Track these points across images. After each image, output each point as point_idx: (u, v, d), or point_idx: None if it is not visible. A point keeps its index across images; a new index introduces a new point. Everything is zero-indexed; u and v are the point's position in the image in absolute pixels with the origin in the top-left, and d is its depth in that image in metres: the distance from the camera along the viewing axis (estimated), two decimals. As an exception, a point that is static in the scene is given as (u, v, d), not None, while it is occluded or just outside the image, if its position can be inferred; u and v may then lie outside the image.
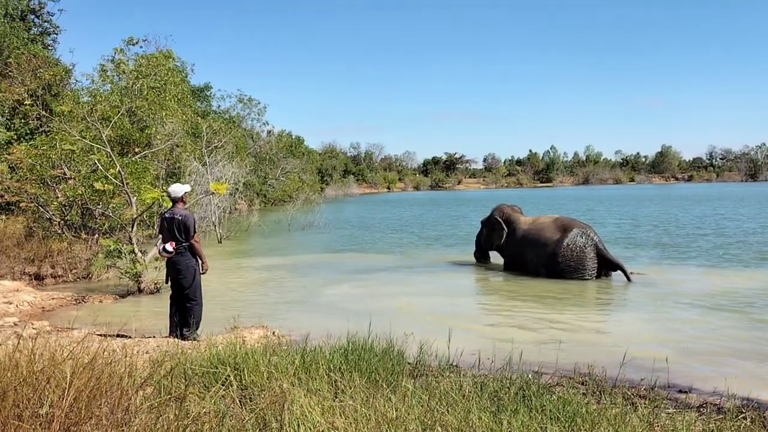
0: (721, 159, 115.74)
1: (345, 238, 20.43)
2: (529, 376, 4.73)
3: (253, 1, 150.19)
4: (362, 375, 4.29)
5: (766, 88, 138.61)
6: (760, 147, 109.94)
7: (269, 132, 48.99)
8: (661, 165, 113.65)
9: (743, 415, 4.07)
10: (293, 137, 54.17)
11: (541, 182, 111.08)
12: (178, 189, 6.89)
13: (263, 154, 43.91)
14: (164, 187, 11.69)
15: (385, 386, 3.92)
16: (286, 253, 16.46)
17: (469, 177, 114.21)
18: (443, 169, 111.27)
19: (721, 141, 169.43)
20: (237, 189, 22.77)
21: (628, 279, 10.49)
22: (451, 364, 5.11)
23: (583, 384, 4.84)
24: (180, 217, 6.63)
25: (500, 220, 12.52)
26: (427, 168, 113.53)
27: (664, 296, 9.31)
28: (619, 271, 10.78)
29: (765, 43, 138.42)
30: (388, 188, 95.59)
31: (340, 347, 4.96)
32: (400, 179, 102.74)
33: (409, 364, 5.05)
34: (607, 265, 10.84)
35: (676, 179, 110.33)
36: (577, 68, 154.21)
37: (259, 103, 45.02)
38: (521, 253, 11.80)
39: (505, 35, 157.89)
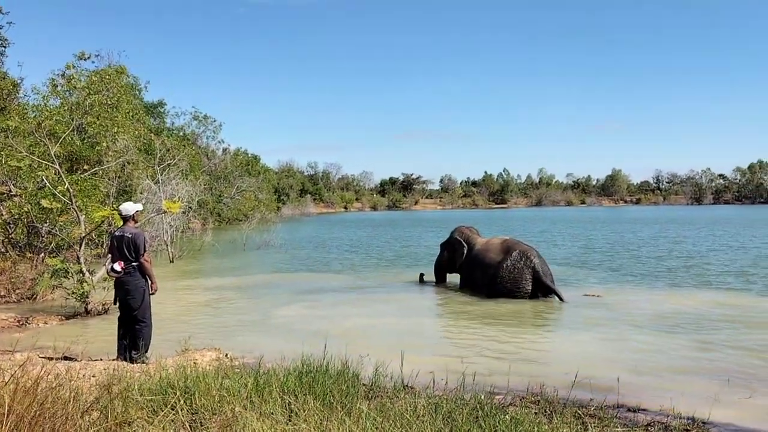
0: (667, 183, 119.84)
1: (301, 257, 20.28)
2: (483, 396, 4.75)
3: (210, 19, 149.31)
4: (317, 397, 4.24)
5: (710, 116, 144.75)
6: (704, 171, 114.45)
7: (225, 150, 48.45)
8: (610, 188, 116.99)
9: (688, 432, 4.19)
10: (249, 155, 53.64)
11: (496, 203, 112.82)
12: (129, 207, 6.74)
13: (218, 173, 43.35)
14: (114, 205, 11.41)
15: (339, 409, 3.89)
16: (240, 273, 16.22)
17: (426, 198, 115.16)
18: (400, 190, 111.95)
19: (667, 165, 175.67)
20: (190, 207, 22.36)
21: (561, 300, 10.82)
22: (406, 385, 5.10)
23: (535, 404, 4.90)
24: (130, 236, 6.48)
25: (461, 240, 12.80)
26: (384, 188, 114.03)
27: (616, 317, 9.51)
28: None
29: (710, 71, 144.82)
30: (345, 208, 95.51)
31: (295, 369, 4.90)
32: (357, 199, 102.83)
33: (364, 385, 5.01)
34: (543, 289, 11.10)
35: (625, 202, 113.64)
36: (532, 91, 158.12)
37: (214, 120, 44.55)
38: (471, 272, 12.20)
39: (462, 58, 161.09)
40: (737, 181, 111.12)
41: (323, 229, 39.02)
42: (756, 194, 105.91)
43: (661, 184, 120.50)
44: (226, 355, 6.67)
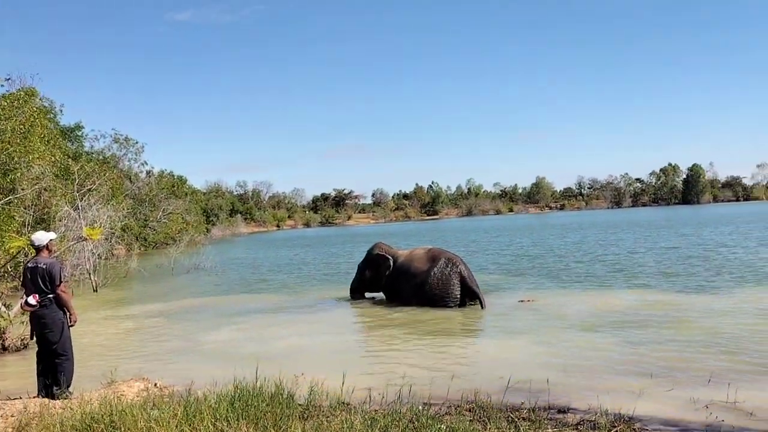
0: (588, 188, 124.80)
1: (231, 279, 19.85)
2: (420, 407, 4.79)
3: (129, 39, 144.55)
4: (250, 422, 4.16)
5: (627, 123, 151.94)
6: (623, 176, 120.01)
7: (148, 172, 47.01)
8: (536, 195, 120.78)
9: (615, 429, 4.35)
10: (175, 177, 52.25)
11: (428, 215, 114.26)
12: (41, 237, 6.41)
13: (142, 196, 41.98)
14: (31, 235, 10.83)
15: (274, 431, 3.82)
16: (168, 298, 15.70)
17: (359, 212, 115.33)
18: (333, 206, 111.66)
19: (588, 171, 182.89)
20: (113, 233, 21.54)
21: (483, 306, 11.08)
22: (342, 402, 5.07)
23: (470, 411, 4.96)
24: (44, 266, 6.16)
25: (384, 254, 12.79)
26: (316, 204, 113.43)
27: (547, 320, 9.78)
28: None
29: (628, 80, 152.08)
30: (278, 226, 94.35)
31: (226, 395, 4.79)
32: (289, 217, 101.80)
33: (300, 405, 4.95)
34: (470, 295, 11.32)
35: (550, 208, 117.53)
36: (457, 103, 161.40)
37: (136, 142, 43.19)
38: (397, 284, 12.22)
39: (391, 73, 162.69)
40: (653, 184, 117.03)
41: (255, 249, 38.39)
42: (670, 196, 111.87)
43: (583, 189, 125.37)
44: (155, 385, 6.43)
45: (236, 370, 5.50)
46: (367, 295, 13.30)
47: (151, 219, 41.34)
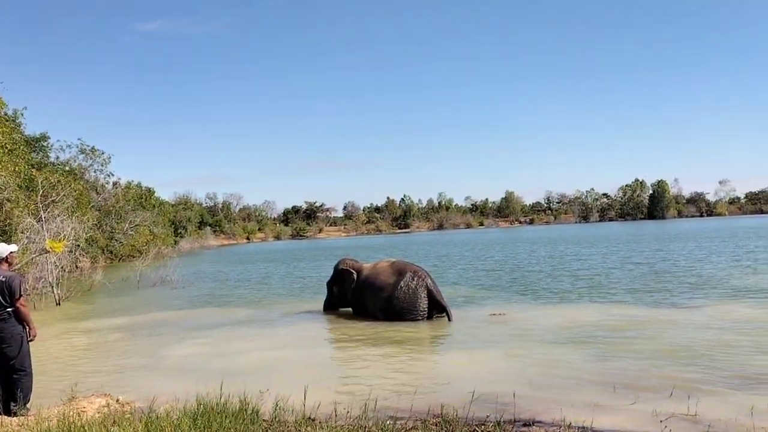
0: (557, 203, 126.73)
1: (198, 293, 19.57)
2: (386, 422, 4.78)
3: (96, 49, 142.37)
4: (212, 438, 4.09)
5: (594, 141, 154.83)
6: (589, 192, 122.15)
7: (115, 184, 46.28)
8: (506, 209, 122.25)
9: (578, 441, 4.39)
10: (142, 188, 51.53)
11: (399, 228, 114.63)
12: (1, 249, 6.25)
13: (109, 207, 41.28)
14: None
15: (236, 448, 3.77)
16: (133, 312, 15.41)
17: (330, 225, 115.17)
18: (304, 218, 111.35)
19: (556, 186, 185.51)
20: (78, 245, 21.09)
21: (450, 319, 11.15)
22: (308, 418, 5.03)
23: (436, 425, 4.96)
24: (3, 279, 6.00)
25: (348, 269, 12.82)
26: (287, 217, 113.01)
27: (516, 334, 9.83)
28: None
29: (595, 97, 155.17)
30: (248, 239, 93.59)
31: (189, 411, 4.72)
32: (260, 229, 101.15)
33: (264, 421, 4.90)
34: (437, 307, 11.37)
35: (520, 222, 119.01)
36: (429, 117, 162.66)
37: (103, 153, 42.53)
38: (363, 297, 12.22)
39: (363, 86, 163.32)
40: (620, 199, 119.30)
41: (223, 262, 37.97)
42: (637, 211, 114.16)
43: (551, 204, 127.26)
44: (117, 401, 6.30)
45: (200, 386, 5.43)
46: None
47: (117, 231, 40.66)
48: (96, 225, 32.12)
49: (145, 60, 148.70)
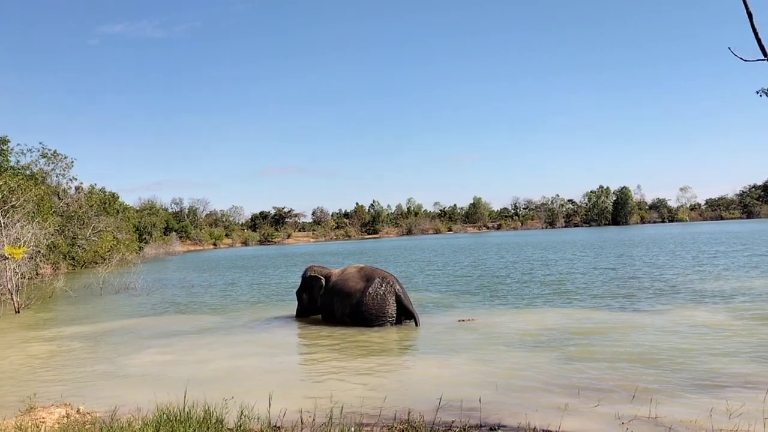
0: (524, 209, 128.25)
1: (162, 300, 19.23)
2: (352, 429, 4.76)
3: (58, 52, 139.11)
4: (175, 448, 4.01)
5: (559, 147, 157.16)
6: (554, 198, 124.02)
7: (78, 188, 45.26)
8: (474, 215, 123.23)
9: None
10: (106, 193, 50.52)
11: (368, 234, 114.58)
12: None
13: (71, 213, 40.37)
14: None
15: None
16: (94, 320, 15.07)
17: (299, 231, 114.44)
18: (272, 224, 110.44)
19: (523, 192, 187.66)
20: (38, 251, 20.58)
21: (417, 324, 11.22)
22: (274, 426, 4.99)
23: (402, 431, 4.96)
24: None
25: (317, 275, 12.81)
26: (255, 223, 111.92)
27: (484, 339, 9.89)
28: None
29: (558, 108, 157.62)
30: (215, 245, 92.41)
31: (152, 420, 4.63)
32: (227, 235, 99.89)
33: (229, 430, 4.84)
34: (405, 313, 11.40)
35: (488, 228, 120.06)
36: (398, 124, 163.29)
37: (65, 157, 41.63)
38: (331, 303, 12.19)
39: (329, 91, 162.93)
40: (585, 205, 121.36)
41: (188, 269, 37.41)
42: (601, 217, 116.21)
43: (518, 210, 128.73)
44: (78, 411, 6.15)
45: (163, 395, 5.33)
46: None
47: (79, 237, 39.79)
48: (58, 230, 31.42)
49: (108, 63, 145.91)
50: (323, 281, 12.59)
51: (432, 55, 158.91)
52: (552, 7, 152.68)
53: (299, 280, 13.72)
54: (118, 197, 53.83)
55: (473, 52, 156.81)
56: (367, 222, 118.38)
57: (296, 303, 13.54)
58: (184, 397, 4.99)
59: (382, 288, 11.39)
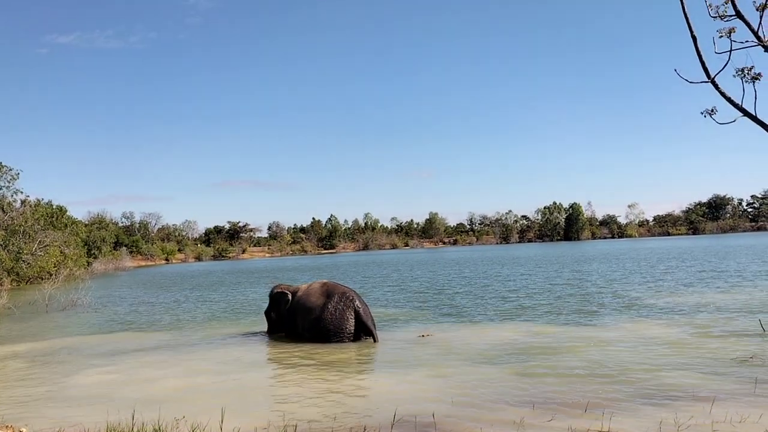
0: (479, 224, 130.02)
1: (112, 317, 18.63)
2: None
3: (5, 61, 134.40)
4: (122, 471, 3.86)
5: (513, 162, 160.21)
6: (507, 213, 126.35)
7: (23, 201, 43.71)
8: (430, 230, 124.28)
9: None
10: (53, 207, 48.94)
11: (325, 249, 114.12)
12: None
13: (16, 226, 38.93)
14: None
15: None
16: (39, 337, 14.48)
17: (254, 246, 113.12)
18: (227, 238, 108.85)
19: (478, 208, 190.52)
20: (-20, 267, 19.72)
21: (375, 340, 11.23)
22: (226, 446, 4.85)
23: (358, 449, 4.91)
24: None
25: (283, 291, 12.73)
26: (209, 237, 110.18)
27: (440, 354, 9.89)
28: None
29: (514, 122, 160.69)
30: (167, 260, 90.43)
31: (98, 442, 4.45)
32: (180, 250, 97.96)
33: (179, 451, 4.68)
34: (363, 329, 11.40)
35: (444, 243, 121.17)
36: (354, 140, 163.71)
37: (11, 169, 40.28)
38: (294, 319, 12.12)
39: (284, 104, 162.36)
40: (538, 221, 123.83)
41: (139, 285, 36.45)
42: (554, 232, 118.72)
43: (474, 225, 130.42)
44: (19, 433, 5.87)
45: (111, 415, 5.14)
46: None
47: (25, 251, 38.34)
48: (1, 245, 30.22)
49: (58, 74, 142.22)
50: (289, 297, 12.52)
51: (388, 69, 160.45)
52: (508, 19, 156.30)
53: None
54: (66, 211, 52.30)
55: (428, 66, 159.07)
56: (324, 237, 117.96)
57: (262, 320, 13.41)
58: (132, 417, 4.82)
59: (341, 304, 11.36)
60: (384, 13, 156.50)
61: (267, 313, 13.18)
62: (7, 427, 6.08)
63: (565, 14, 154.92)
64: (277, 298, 12.80)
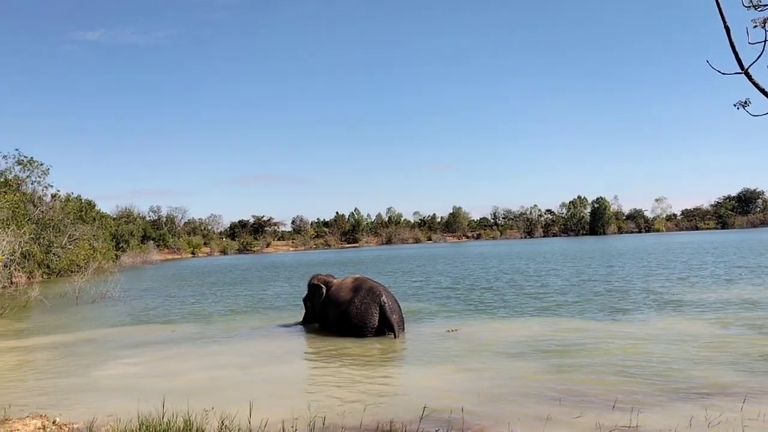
0: (503, 218, 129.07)
1: (140, 309, 18.94)
2: (334, 439, 4.71)
3: (34, 58, 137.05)
4: (155, 460, 3.94)
5: (537, 155, 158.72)
6: (532, 208, 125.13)
7: (54, 196, 44.54)
8: (453, 225, 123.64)
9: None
10: (83, 201, 49.79)
11: (348, 243, 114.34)
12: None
13: (47, 220, 39.69)
14: None
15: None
16: (70, 329, 14.80)
17: (278, 240, 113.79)
18: (251, 232, 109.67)
19: (502, 202, 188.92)
20: (13, 260, 20.19)
21: (395, 336, 11.18)
22: (255, 437, 4.92)
23: (385, 442, 4.94)
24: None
25: (319, 284, 12.95)
26: (234, 231, 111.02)
27: (468, 349, 9.88)
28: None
29: (530, 117, 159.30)
30: (193, 253, 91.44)
31: (131, 431, 4.54)
32: (205, 243, 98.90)
33: (209, 441, 4.76)
34: (386, 325, 11.40)
35: (467, 237, 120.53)
36: (376, 133, 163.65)
37: (41, 164, 40.99)
38: (326, 312, 12.33)
39: (307, 99, 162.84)
40: (563, 215, 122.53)
41: (166, 278, 36.96)
42: (579, 227, 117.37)
43: (498, 219, 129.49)
44: (54, 422, 6.02)
45: (141, 405, 5.24)
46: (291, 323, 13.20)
47: (55, 245, 39.09)
48: (33, 238, 30.92)
49: (86, 69, 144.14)
50: (324, 289, 12.73)
51: (411, 61, 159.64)
52: (534, 11, 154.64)
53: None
54: (94, 205, 53.13)
55: (453, 59, 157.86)
56: (347, 231, 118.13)
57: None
58: (163, 407, 4.91)
59: (368, 299, 11.47)
60: (406, 4, 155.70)
61: (305, 300, 13.51)
62: (40, 416, 6.23)
63: (584, 7, 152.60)
64: (312, 290, 13.09)
